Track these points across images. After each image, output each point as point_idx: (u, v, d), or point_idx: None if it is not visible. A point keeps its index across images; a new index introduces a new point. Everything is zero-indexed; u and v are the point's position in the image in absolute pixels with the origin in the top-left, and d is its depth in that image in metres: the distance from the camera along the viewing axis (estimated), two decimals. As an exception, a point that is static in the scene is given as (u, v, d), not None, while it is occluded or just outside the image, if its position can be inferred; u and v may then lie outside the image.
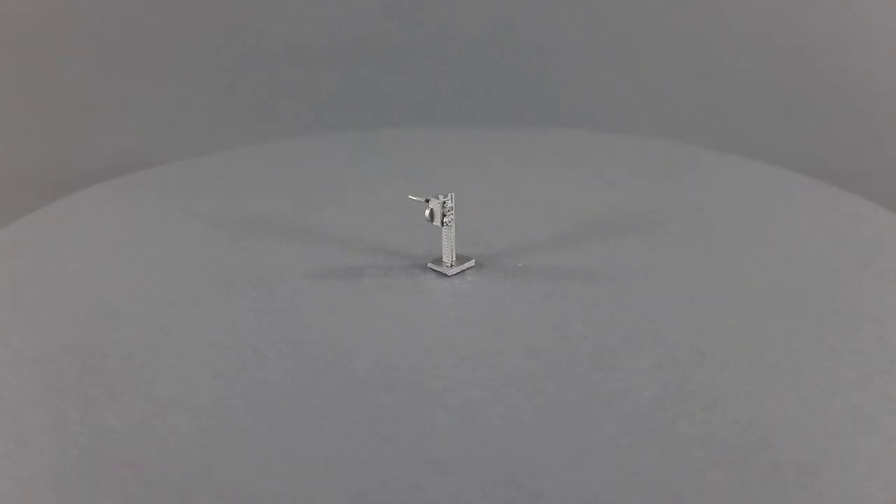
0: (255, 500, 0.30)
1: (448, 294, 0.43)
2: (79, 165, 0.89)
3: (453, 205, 0.44)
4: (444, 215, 0.44)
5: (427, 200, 0.44)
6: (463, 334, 0.40)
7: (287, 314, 0.41)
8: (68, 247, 0.50)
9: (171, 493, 0.30)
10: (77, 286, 0.45)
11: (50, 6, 0.98)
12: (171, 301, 0.43)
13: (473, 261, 0.46)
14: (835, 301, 0.42)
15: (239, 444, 0.32)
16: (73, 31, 0.98)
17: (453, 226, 0.45)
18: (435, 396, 0.35)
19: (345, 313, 0.41)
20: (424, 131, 0.76)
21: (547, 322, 0.40)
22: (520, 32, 1.00)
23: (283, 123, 0.97)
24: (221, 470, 0.31)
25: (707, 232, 0.51)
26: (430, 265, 0.46)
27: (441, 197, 0.44)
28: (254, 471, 0.31)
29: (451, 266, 0.45)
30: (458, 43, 0.99)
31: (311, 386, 0.36)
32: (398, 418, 0.34)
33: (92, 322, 0.41)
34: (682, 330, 0.40)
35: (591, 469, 0.31)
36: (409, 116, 0.96)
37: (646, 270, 0.46)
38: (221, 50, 0.99)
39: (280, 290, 0.44)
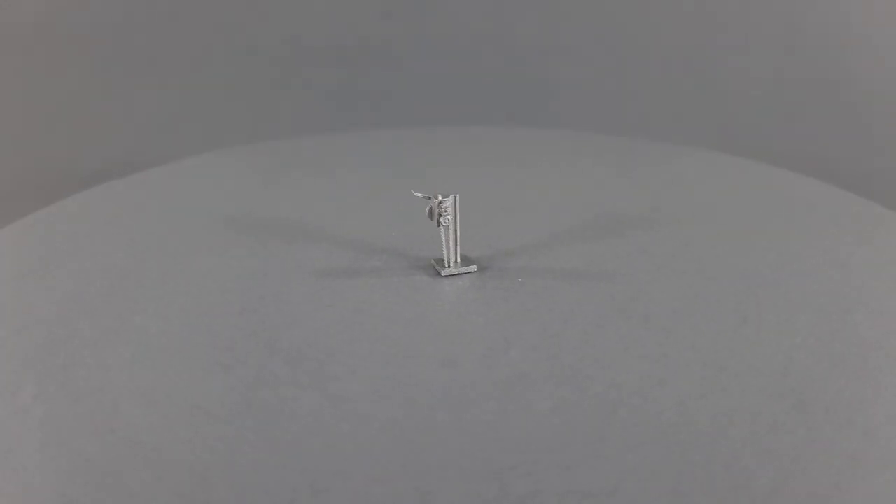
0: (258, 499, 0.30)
1: (442, 296, 0.43)
2: (78, 165, 0.89)
3: (449, 206, 0.44)
4: (439, 215, 0.44)
5: (429, 198, 0.44)
6: (453, 336, 0.40)
7: (281, 315, 0.41)
8: (67, 247, 0.50)
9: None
10: (76, 287, 0.45)
11: (50, 7, 0.98)
12: (168, 300, 0.43)
13: (475, 266, 0.46)
14: (836, 301, 0.42)
15: (231, 445, 0.32)
16: (73, 31, 0.98)
17: (451, 227, 0.45)
18: (425, 398, 0.35)
19: (339, 314, 0.41)
20: (424, 131, 0.76)
21: (542, 325, 0.40)
22: (520, 32, 1.00)
23: (281, 123, 0.97)
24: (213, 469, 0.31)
25: (707, 233, 0.51)
26: (433, 263, 0.46)
27: (440, 196, 0.44)
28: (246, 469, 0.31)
29: (448, 267, 0.45)
30: (458, 43, 0.99)
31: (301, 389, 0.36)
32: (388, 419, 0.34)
33: (90, 321, 0.41)
34: (680, 332, 0.40)
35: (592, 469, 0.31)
36: (409, 117, 0.96)
37: (644, 271, 0.45)
38: (221, 50, 1.00)
39: (275, 291, 0.44)
